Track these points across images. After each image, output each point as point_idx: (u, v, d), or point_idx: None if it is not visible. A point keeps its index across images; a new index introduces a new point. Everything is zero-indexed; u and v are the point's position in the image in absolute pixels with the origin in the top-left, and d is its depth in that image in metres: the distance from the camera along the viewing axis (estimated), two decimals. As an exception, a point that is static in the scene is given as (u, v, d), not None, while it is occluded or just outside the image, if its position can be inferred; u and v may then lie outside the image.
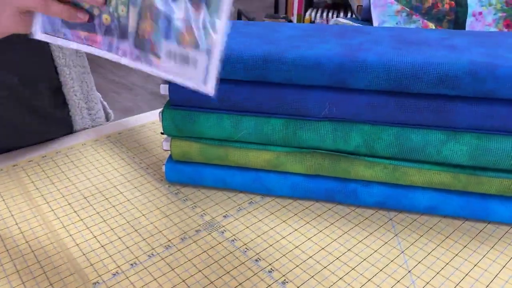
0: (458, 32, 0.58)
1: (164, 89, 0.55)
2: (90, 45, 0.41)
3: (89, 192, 0.61)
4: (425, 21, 1.07)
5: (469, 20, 1.06)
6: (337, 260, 0.49)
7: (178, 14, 0.37)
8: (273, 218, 0.56)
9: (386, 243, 0.52)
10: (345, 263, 0.49)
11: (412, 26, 1.05)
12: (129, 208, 0.58)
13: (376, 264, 0.49)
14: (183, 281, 0.46)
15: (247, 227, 0.54)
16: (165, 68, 0.38)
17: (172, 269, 0.48)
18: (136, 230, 0.54)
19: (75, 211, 0.57)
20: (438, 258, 0.50)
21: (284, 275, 0.47)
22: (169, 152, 0.62)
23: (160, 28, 0.37)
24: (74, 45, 0.43)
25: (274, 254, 0.50)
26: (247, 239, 0.53)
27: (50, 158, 0.68)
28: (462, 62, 0.46)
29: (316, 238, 0.53)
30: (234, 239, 0.52)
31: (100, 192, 0.61)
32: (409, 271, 0.48)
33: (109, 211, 0.57)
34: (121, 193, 0.61)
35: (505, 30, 1.06)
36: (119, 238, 0.52)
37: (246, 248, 0.51)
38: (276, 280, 0.47)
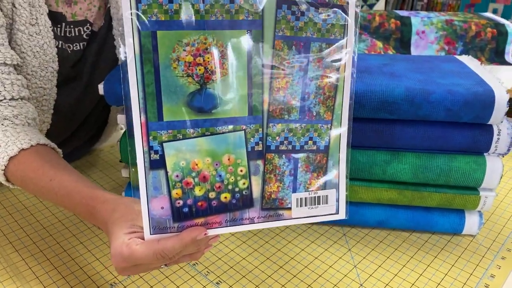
0: (398, 57, 0.62)
1: (120, 120, 0.56)
2: (209, 228, 0.39)
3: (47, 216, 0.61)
4: (374, 40, 1.13)
5: (414, 38, 1.13)
6: (295, 278, 0.52)
7: (303, 167, 0.40)
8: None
9: (340, 258, 0.55)
10: (301, 281, 0.52)
11: (361, 44, 1.11)
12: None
13: (330, 279, 0.52)
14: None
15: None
16: (297, 215, 0.41)
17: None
18: (81, 268, 0.54)
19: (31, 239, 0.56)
20: (387, 270, 0.53)
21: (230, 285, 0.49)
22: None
23: (286, 185, 0.40)
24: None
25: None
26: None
27: None
28: (400, 89, 0.50)
29: (274, 257, 0.55)
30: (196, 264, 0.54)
31: (53, 214, 0.61)
32: (361, 285, 0.51)
33: (56, 227, 0.57)
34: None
35: (446, 47, 1.13)
36: (55, 267, 0.53)
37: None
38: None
